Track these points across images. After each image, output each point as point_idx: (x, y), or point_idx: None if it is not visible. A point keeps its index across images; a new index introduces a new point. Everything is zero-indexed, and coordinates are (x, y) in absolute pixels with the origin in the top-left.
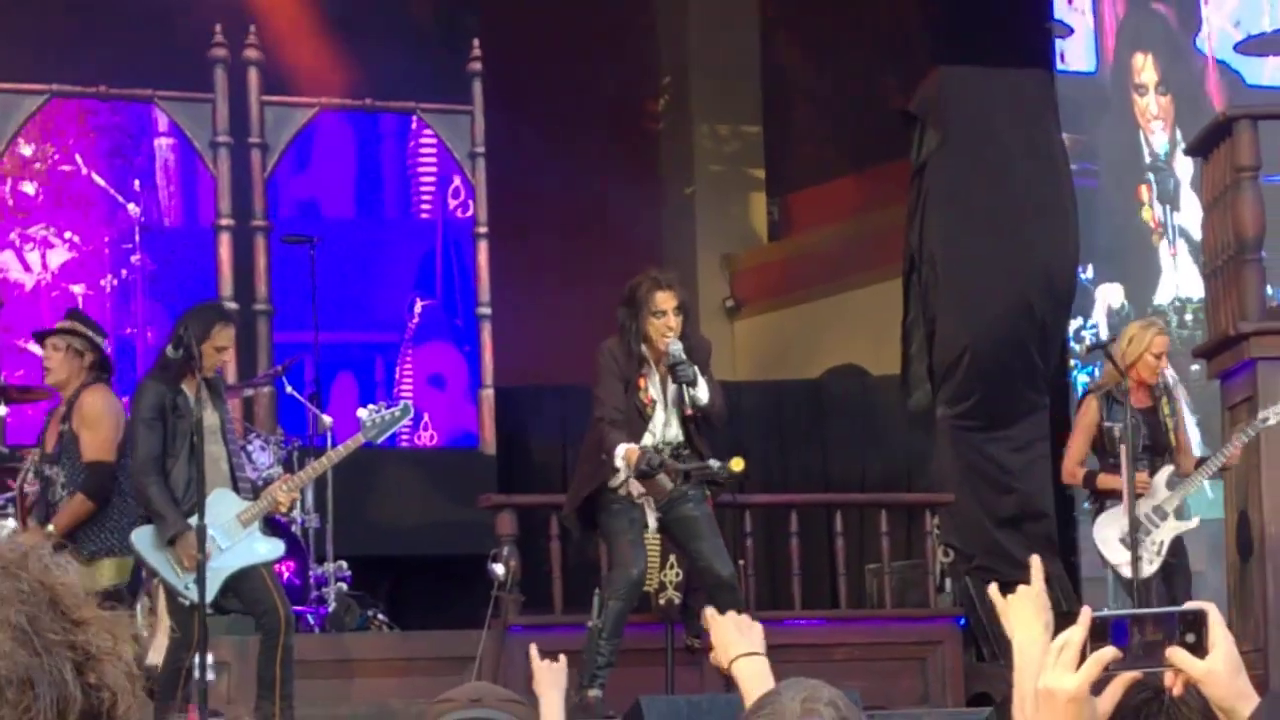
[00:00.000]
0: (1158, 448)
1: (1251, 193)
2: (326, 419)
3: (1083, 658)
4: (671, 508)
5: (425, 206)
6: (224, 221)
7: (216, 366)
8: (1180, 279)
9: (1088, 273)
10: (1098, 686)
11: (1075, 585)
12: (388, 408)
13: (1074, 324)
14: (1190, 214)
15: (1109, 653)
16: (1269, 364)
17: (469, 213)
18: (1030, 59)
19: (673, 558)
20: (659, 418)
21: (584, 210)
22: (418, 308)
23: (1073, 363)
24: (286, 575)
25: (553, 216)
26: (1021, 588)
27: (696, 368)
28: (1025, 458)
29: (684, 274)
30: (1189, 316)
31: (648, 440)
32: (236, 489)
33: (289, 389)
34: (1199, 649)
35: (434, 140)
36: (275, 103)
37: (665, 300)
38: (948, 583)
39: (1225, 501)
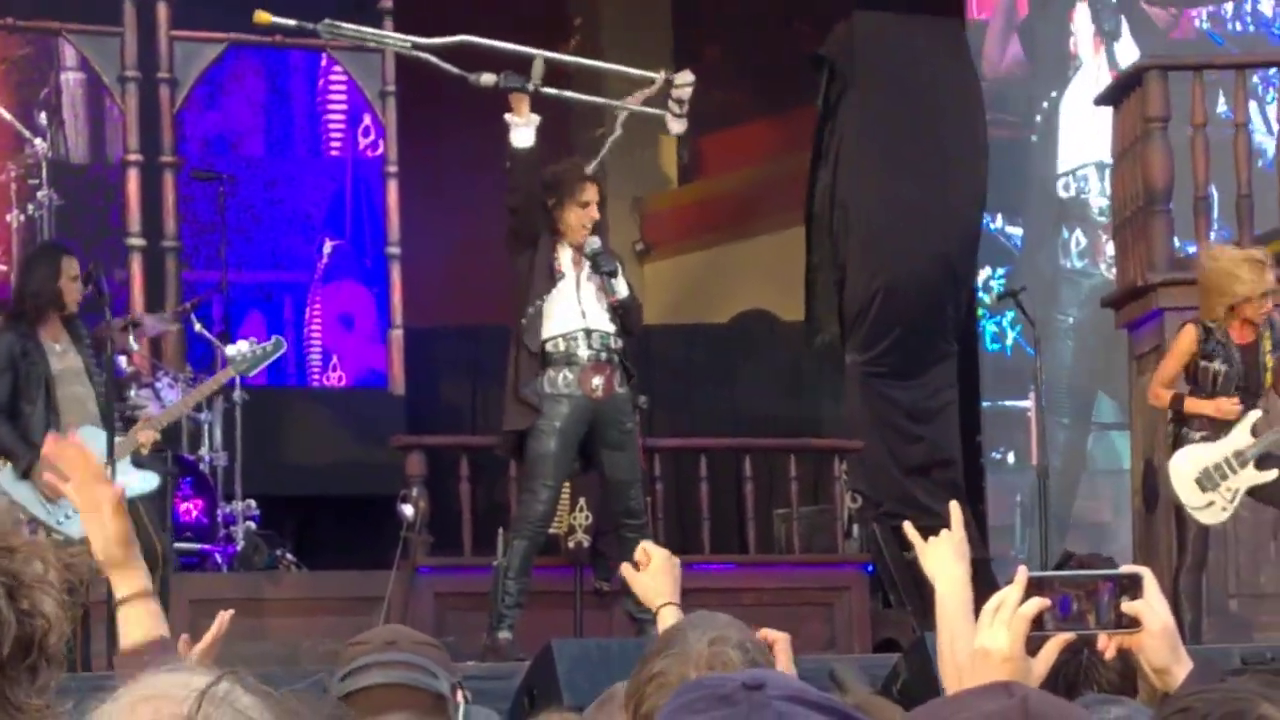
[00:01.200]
0: (1252, 388)
1: (1161, 143)
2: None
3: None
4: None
5: (335, 145)
6: (132, 157)
7: (78, 300)
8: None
9: (997, 222)
10: (1032, 647)
11: (983, 533)
12: (259, 343)
13: (983, 273)
14: None
15: (1036, 603)
16: (1176, 314)
17: (379, 151)
18: (944, 8)
19: (582, 500)
20: (590, 307)
21: (494, 151)
22: (327, 248)
23: (980, 312)
24: (195, 513)
25: (463, 156)
26: (942, 532)
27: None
28: (934, 405)
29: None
30: None
31: (579, 323)
32: (111, 428)
33: (198, 327)
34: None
35: (344, 78)
36: (184, 38)
37: (591, 192)
38: (855, 529)
39: (1131, 450)
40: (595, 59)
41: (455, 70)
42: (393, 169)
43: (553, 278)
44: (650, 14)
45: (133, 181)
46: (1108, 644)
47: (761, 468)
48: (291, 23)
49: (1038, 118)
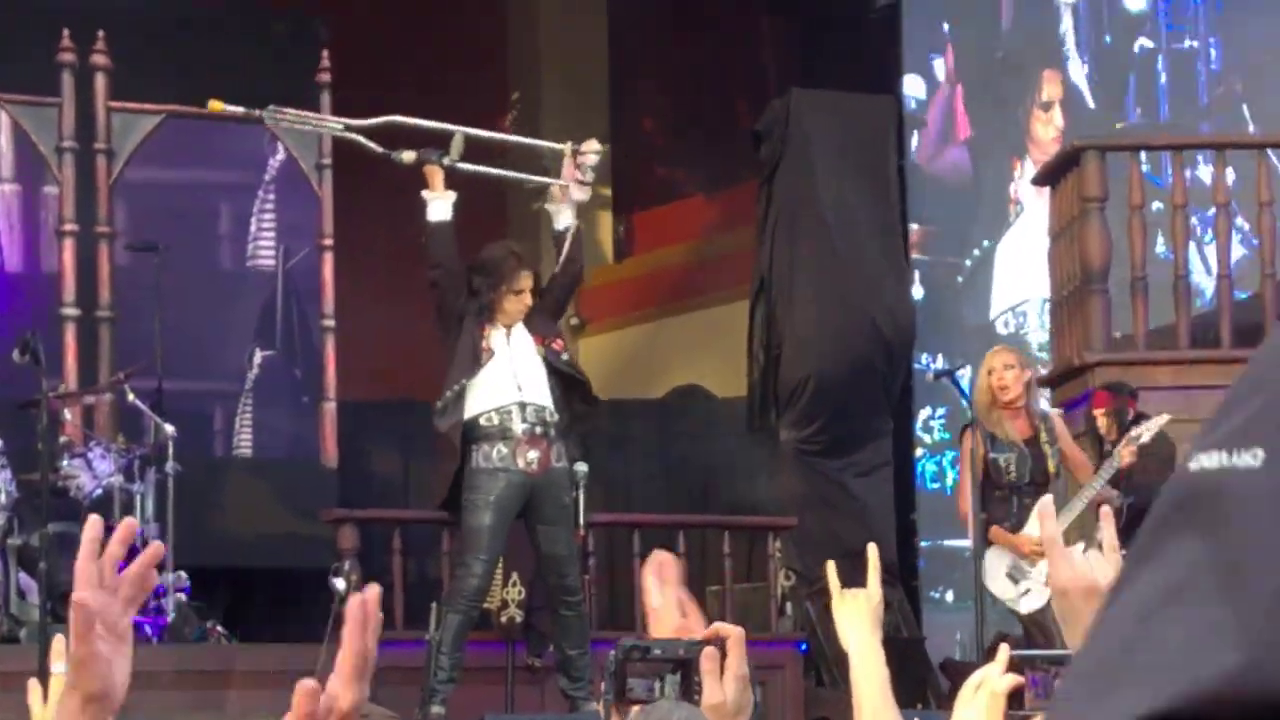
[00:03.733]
0: (1038, 479)
1: (1098, 223)
2: (169, 427)
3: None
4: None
5: (267, 225)
6: (68, 227)
7: None
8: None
9: (938, 361)
10: None
11: (916, 612)
12: None
13: (923, 413)
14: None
15: (1012, 680)
16: None
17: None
18: (880, 88)
19: (515, 575)
20: (526, 380)
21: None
22: (257, 357)
23: (920, 452)
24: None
25: (398, 230)
26: (861, 593)
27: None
28: (868, 483)
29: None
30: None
31: (513, 397)
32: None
33: (131, 396)
34: None
35: (281, 150)
36: (122, 109)
37: (527, 280)
38: (789, 606)
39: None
40: (534, 133)
41: (379, 149)
42: (328, 242)
43: (478, 359)
44: (588, 89)
45: (68, 251)
46: None
47: (695, 544)
48: (239, 109)
49: (968, 262)
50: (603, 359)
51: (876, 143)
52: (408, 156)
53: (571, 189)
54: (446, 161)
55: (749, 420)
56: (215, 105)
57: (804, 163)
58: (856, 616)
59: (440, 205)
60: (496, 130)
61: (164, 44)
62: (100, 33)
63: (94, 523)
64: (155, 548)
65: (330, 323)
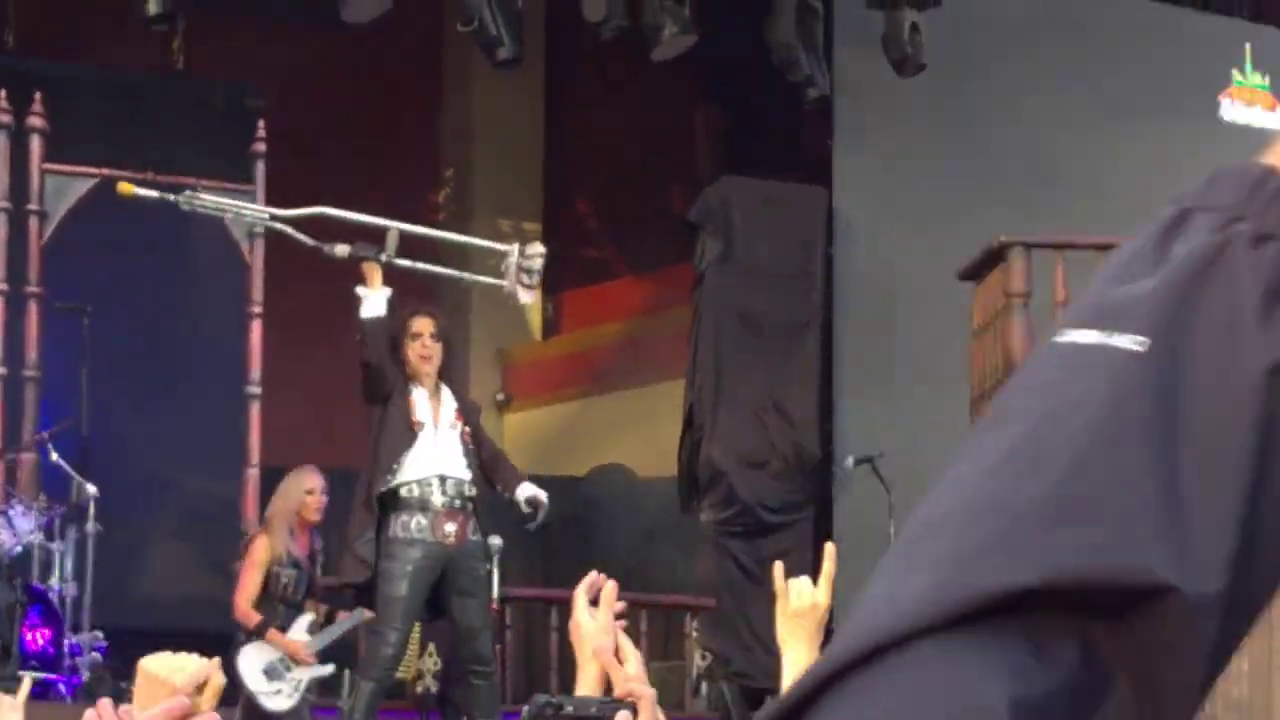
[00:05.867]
0: (315, 590)
1: (1021, 319)
2: (90, 487)
3: None
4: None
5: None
6: None
7: None
8: None
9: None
10: None
11: None
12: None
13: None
14: None
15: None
16: None
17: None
18: (812, 177)
19: (431, 645)
20: (446, 454)
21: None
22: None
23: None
24: (41, 642)
25: (326, 299)
26: (799, 589)
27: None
28: (785, 566)
29: (457, 366)
30: None
31: (435, 469)
32: None
33: (54, 456)
34: None
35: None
36: (56, 171)
37: (420, 324)
38: (704, 686)
39: None
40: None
41: (310, 241)
42: (256, 309)
43: (412, 430)
44: (522, 167)
45: None
46: None
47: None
48: (154, 194)
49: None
50: (527, 436)
51: (805, 233)
52: (341, 250)
53: (519, 293)
54: (383, 258)
55: (683, 501)
56: (125, 189)
57: (734, 252)
58: (801, 630)
59: (375, 301)
60: (428, 213)
61: (100, 108)
62: (37, 94)
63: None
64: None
65: (255, 389)
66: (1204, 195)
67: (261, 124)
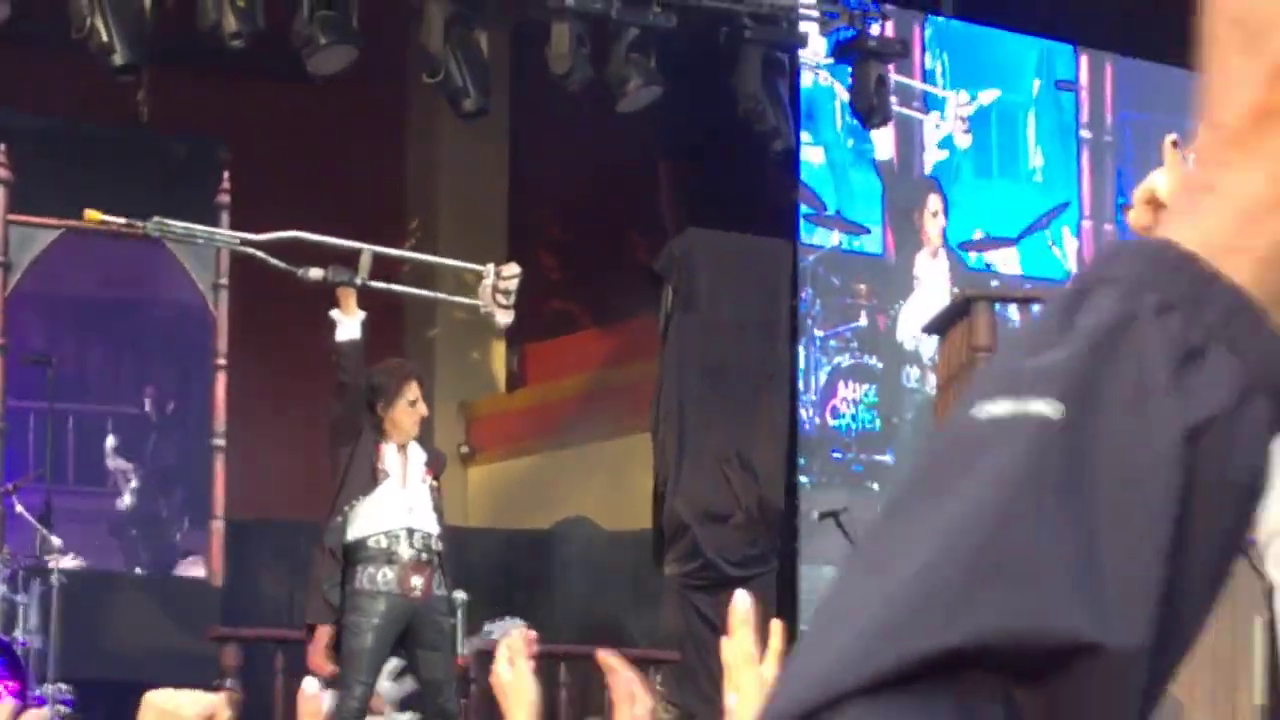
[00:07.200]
0: None
1: None
2: (55, 539)
3: None
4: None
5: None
6: None
7: None
8: None
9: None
10: None
11: None
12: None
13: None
14: None
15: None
16: None
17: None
18: (777, 230)
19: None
20: (415, 505)
21: (324, 348)
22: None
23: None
24: (6, 695)
25: (292, 351)
26: (761, 666)
27: None
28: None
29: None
30: None
31: (403, 522)
32: None
33: (19, 508)
34: None
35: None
36: (21, 222)
37: (417, 390)
38: None
39: None
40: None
41: (283, 265)
42: (221, 361)
43: (375, 478)
44: (486, 220)
45: None
46: None
47: (577, 674)
48: (120, 220)
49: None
50: (491, 488)
51: (770, 285)
52: (314, 274)
53: (496, 314)
54: (358, 281)
55: (655, 554)
56: (92, 215)
57: (698, 303)
58: (749, 688)
59: (350, 325)
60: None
61: (65, 159)
62: (1, 145)
63: None
64: None
65: (220, 441)
66: (1104, 269)
67: (227, 176)
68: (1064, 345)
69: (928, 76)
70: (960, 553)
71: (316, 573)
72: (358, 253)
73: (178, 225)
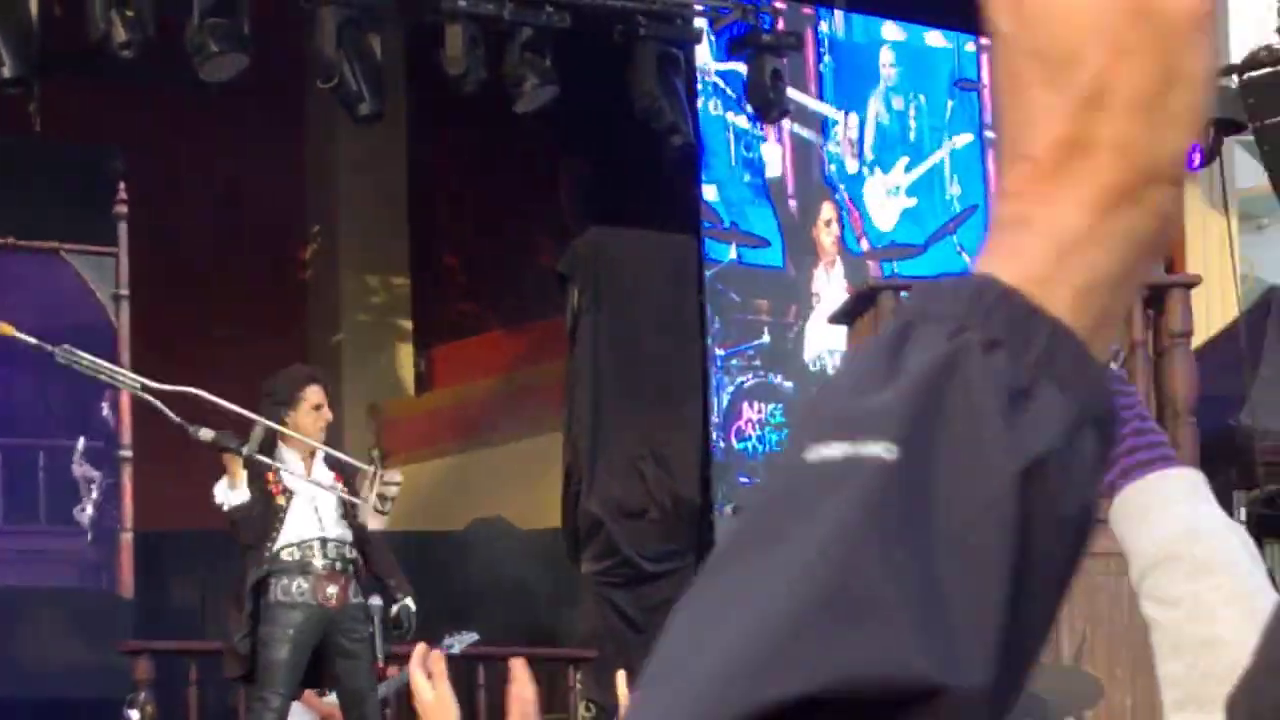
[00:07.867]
0: None
1: None
2: None
3: None
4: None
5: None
6: None
7: None
8: None
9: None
10: None
11: None
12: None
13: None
14: None
15: None
16: None
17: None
18: (680, 226)
19: None
20: (326, 515)
21: (227, 356)
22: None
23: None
24: None
25: (197, 361)
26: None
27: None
28: (666, 616)
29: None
30: None
31: (315, 532)
32: None
33: None
34: None
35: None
36: None
37: (319, 394)
38: None
39: None
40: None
41: (176, 419)
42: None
43: (267, 525)
44: (387, 223)
45: None
46: None
47: (495, 676)
48: (31, 340)
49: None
50: (404, 491)
51: (677, 281)
52: (205, 434)
53: (370, 519)
54: (245, 451)
55: (569, 553)
56: (5, 328)
57: (604, 302)
58: None
59: (235, 495)
60: (296, 269)
61: None
62: None
63: None
64: None
65: (128, 453)
66: (925, 307)
67: (123, 186)
68: (893, 386)
69: (820, 79)
70: (802, 599)
71: (229, 626)
72: (249, 422)
73: (85, 357)
